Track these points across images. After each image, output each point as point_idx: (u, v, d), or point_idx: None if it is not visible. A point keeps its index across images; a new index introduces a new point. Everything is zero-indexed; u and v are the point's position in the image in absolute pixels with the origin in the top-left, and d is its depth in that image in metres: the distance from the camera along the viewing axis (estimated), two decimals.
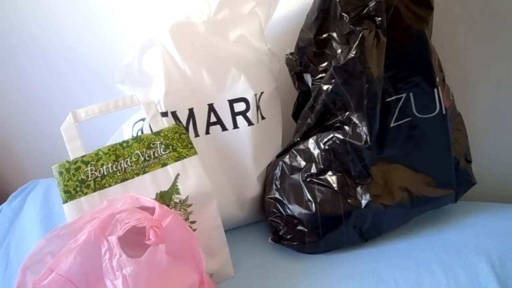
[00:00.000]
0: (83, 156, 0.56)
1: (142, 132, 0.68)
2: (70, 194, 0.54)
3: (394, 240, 0.67)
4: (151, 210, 0.50)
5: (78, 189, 0.54)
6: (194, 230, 0.59)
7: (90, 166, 0.55)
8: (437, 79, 0.63)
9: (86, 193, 0.54)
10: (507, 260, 0.58)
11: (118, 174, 0.56)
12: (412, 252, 0.63)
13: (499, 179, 0.83)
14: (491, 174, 0.81)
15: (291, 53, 0.71)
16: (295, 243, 0.66)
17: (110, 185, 0.55)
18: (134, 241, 0.49)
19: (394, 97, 0.63)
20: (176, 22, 0.65)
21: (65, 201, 0.54)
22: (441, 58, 0.66)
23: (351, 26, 0.59)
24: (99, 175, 0.55)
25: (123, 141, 0.59)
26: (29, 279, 0.45)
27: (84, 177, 0.55)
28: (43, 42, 0.93)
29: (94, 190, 0.55)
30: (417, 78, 0.62)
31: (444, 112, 0.64)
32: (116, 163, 0.57)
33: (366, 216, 0.63)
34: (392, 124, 0.63)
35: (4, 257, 0.74)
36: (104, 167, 0.56)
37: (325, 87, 0.63)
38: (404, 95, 0.63)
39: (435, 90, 0.63)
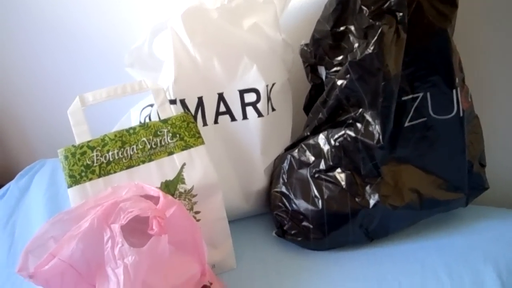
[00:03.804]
0: (89, 141, 0.55)
1: (149, 119, 0.67)
2: (75, 179, 0.53)
3: (401, 242, 0.66)
4: (155, 199, 0.50)
5: (83, 174, 0.54)
6: (198, 220, 0.58)
7: (96, 152, 0.55)
8: (457, 80, 0.61)
9: (91, 179, 0.54)
10: None
11: (124, 161, 0.56)
12: (418, 255, 0.62)
13: None
14: (505, 179, 0.79)
15: (306, 44, 0.69)
16: (299, 238, 0.65)
17: (115, 172, 0.55)
18: (138, 229, 0.49)
19: (410, 96, 0.61)
20: (188, 7, 0.64)
21: (69, 186, 0.53)
22: (461, 57, 0.64)
23: (371, 20, 0.56)
24: (104, 161, 0.55)
25: (130, 128, 0.58)
26: (31, 263, 0.45)
27: (90, 162, 0.54)
28: (53, 20, 0.92)
29: (99, 176, 0.54)
30: (436, 77, 0.60)
31: (461, 114, 0.62)
32: (122, 149, 0.56)
33: (374, 216, 0.62)
34: (406, 124, 0.61)
35: (9, 236, 0.75)
36: (110, 153, 0.55)
37: (339, 82, 0.62)
38: (421, 94, 0.60)
39: (454, 91, 0.61)
